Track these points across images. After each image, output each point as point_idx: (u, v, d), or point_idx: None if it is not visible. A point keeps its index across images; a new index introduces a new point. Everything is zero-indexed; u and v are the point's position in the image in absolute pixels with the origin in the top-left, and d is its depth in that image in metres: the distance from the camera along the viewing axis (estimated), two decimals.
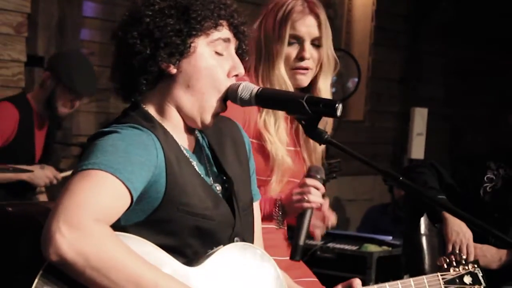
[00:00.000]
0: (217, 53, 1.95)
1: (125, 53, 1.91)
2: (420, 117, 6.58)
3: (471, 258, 3.15)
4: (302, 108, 1.93)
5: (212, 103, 1.95)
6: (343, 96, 6.28)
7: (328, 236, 4.75)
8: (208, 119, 1.96)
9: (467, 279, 2.33)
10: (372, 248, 4.87)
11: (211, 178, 2.00)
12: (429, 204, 3.32)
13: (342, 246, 4.90)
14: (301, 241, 2.33)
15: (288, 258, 2.39)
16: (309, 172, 2.47)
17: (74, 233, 1.65)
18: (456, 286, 2.32)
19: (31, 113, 4.09)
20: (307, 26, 2.58)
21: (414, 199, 3.55)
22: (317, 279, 2.66)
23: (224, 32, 1.96)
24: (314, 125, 1.94)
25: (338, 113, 1.91)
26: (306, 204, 2.39)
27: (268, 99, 2.02)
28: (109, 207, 1.73)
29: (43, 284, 1.69)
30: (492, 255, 3.31)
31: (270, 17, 2.60)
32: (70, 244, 1.64)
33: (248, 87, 1.98)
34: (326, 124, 2.57)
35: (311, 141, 2.56)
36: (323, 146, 2.65)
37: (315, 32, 2.58)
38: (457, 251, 3.17)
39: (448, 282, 2.31)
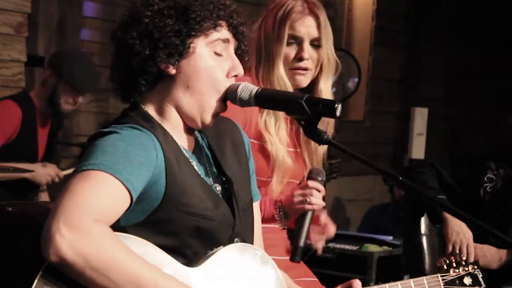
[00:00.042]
0: (216, 53, 1.95)
1: (124, 53, 1.91)
2: (420, 117, 6.58)
3: (471, 258, 3.15)
4: (302, 108, 1.92)
5: (211, 104, 1.95)
6: (343, 96, 6.28)
7: None
8: (208, 119, 1.96)
9: (467, 280, 2.33)
10: (372, 248, 4.88)
11: (210, 179, 2.00)
12: (429, 204, 3.32)
13: (342, 246, 4.90)
14: (301, 243, 2.33)
15: (288, 258, 2.39)
16: (311, 174, 2.47)
17: (74, 234, 1.65)
18: (456, 287, 2.32)
19: (34, 111, 4.10)
20: (306, 27, 2.57)
21: (414, 199, 3.54)
22: (317, 279, 2.66)
23: (223, 32, 1.96)
24: (314, 125, 1.93)
25: (338, 113, 1.91)
26: (307, 206, 2.40)
27: (267, 100, 2.01)
28: (109, 207, 1.73)
29: (43, 285, 1.69)
30: (492, 255, 3.31)
31: (270, 17, 2.60)
32: (70, 245, 1.64)
33: (248, 88, 1.98)
34: (328, 125, 2.56)
35: (312, 142, 2.56)
36: (324, 148, 2.65)
37: (315, 33, 2.58)
38: (457, 251, 3.17)
39: (448, 283, 2.31)
